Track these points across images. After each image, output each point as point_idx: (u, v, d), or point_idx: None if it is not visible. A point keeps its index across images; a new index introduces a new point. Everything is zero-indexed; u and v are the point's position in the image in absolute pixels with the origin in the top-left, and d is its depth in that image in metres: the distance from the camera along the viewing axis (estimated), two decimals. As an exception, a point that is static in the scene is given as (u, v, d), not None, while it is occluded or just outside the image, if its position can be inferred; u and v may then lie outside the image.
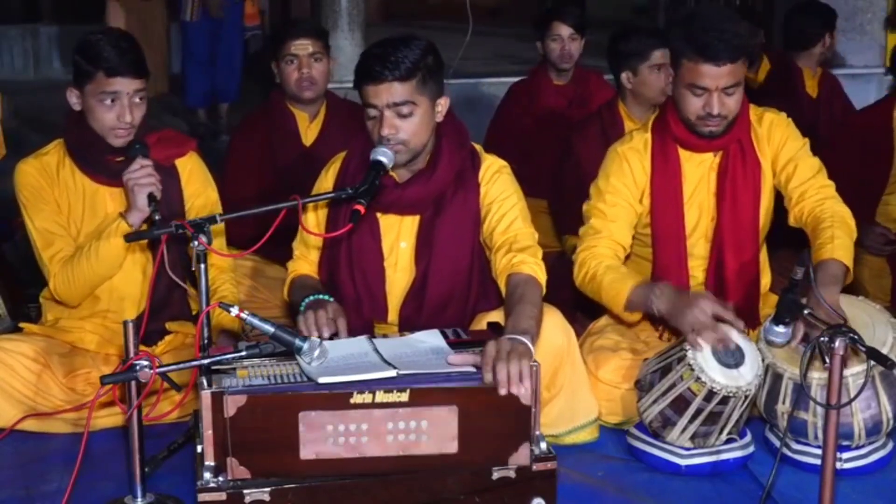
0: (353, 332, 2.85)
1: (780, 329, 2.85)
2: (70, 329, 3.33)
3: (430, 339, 2.78)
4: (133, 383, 2.58)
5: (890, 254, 4.21)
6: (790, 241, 3.48)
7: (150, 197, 3.04)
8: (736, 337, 2.90)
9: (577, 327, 3.20)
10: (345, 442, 2.46)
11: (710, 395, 2.84)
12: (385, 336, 2.88)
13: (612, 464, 3.05)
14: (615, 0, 11.44)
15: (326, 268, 3.14)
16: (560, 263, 3.94)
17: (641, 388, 3.03)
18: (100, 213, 3.25)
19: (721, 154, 3.25)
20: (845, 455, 2.94)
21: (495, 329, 2.82)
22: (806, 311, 2.72)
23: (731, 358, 2.87)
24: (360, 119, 2.96)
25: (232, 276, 3.45)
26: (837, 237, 3.02)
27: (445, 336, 2.79)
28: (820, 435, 2.88)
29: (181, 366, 2.56)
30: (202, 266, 2.64)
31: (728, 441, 2.99)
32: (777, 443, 3.02)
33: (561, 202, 4.31)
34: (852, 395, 2.61)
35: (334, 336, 2.77)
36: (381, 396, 2.45)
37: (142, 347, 2.66)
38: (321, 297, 2.92)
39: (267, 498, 2.45)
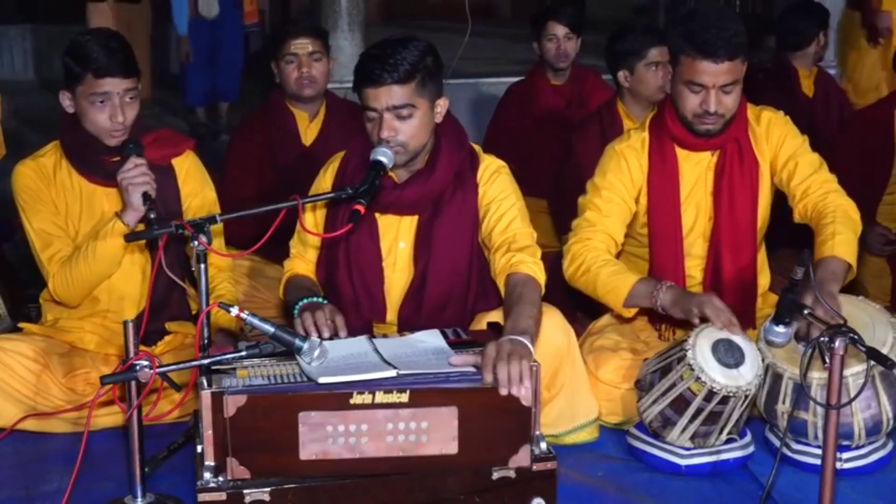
0: (352, 333, 2.85)
1: (780, 329, 2.85)
2: (70, 329, 3.33)
3: (430, 339, 2.78)
4: (133, 383, 2.59)
5: (890, 254, 4.21)
6: (790, 241, 3.48)
7: (145, 196, 3.04)
8: (736, 337, 2.89)
9: (577, 327, 3.20)
10: (345, 442, 2.46)
11: (710, 394, 2.84)
12: (385, 336, 2.88)
13: (612, 464, 3.05)
14: (615, 0, 11.45)
15: (325, 268, 3.14)
16: (560, 263, 3.94)
17: (641, 388, 3.03)
18: (97, 214, 3.26)
19: (718, 153, 3.25)
20: (845, 455, 2.94)
21: (495, 329, 2.82)
22: (806, 311, 2.72)
23: (731, 358, 2.87)
24: (360, 119, 2.96)
25: (230, 274, 3.45)
26: (839, 233, 3.01)
27: (445, 336, 2.79)
28: (820, 435, 2.88)
29: (181, 366, 2.56)
30: (202, 266, 2.64)
31: (728, 441, 2.99)
32: (777, 443, 3.02)
33: (561, 202, 4.31)
34: (852, 395, 2.61)
35: (334, 336, 2.77)
36: (380, 397, 2.45)
37: (141, 347, 2.66)
38: (315, 299, 2.91)
39: (267, 498, 2.45)
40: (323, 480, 2.48)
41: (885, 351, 2.77)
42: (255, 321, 2.50)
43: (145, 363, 2.49)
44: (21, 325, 3.44)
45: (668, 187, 3.26)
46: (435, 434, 2.48)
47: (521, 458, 2.52)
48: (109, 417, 3.16)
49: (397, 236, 3.08)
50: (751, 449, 3.03)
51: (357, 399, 2.45)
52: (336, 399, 2.45)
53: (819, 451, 2.62)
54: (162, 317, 3.31)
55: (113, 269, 3.22)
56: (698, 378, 2.84)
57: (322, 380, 2.47)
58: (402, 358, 2.62)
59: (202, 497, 2.43)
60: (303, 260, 3.17)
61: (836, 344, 2.39)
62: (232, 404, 2.43)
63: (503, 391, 2.48)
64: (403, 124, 2.88)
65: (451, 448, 2.49)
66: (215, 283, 3.34)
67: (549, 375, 2.94)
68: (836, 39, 6.54)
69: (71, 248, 3.22)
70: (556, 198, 4.46)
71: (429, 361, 2.62)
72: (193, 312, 3.36)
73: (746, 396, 2.88)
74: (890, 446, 3.06)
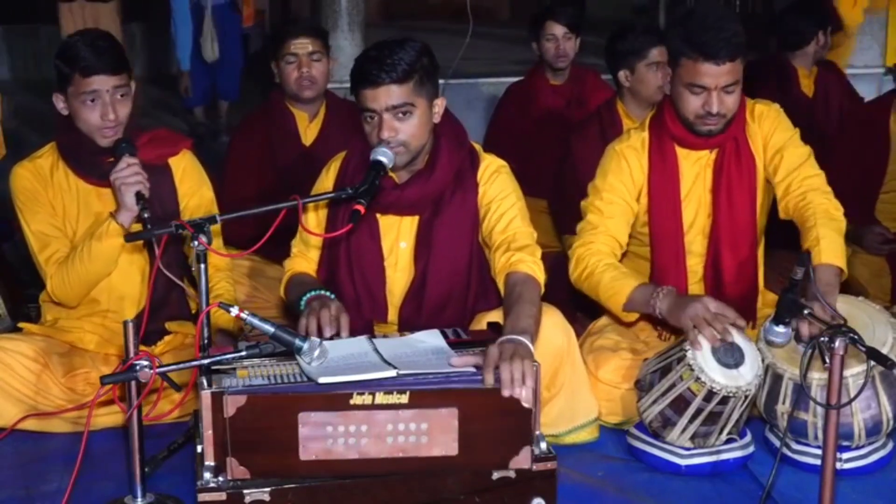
0: (353, 333, 2.85)
1: (780, 329, 2.85)
2: (69, 329, 3.33)
3: (431, 339, 2.78)
4: (133, 383, 2.59)
5: (888, 253, 4.21)
6: (789, 241, 3.48)
7: (139, 195, 3.04)
8: (736, 337, 2.89)
9: (577, 327, 3.20)
10: (344, 443, 2.46)
11: (710, 395, 2.84)
12: (385, 336, 2.88)
13: (612, 464, 3.05)
14: (615, 0, 11.46)
15: (326, 268, 3.14)
16: (560, 263, 3.94)
17: (641, 388, 3.03)
18: (94, 214, 3.26)
19: (717, 150, 3.25)
20: (845, 455, 2.94)
21: (495, 329, 2.82)
22: (806, 311, 2.72)
23: (731, 358, 2.87)
24: (360, 119, 2.96)
25: (228, 274, 3.45)
26: (823, 237, 2.99)
27: (445, 336, 2.79)
28: (820, 435, 2.88)
29: (181, 366, 2.56)
30: (202, 266, 2.64)
31: (728, 441, 2.99)
32: (777, 443, 3.02)
33: (561, 202, 4.31)
34: (852, 396, 2.61)
35: (335, 336, 2.77)
36: (381, 398, 2.45)
37: (141, 347, 2.66)
38: (323, 292, 2.91)
39: (267, 498, 2.45)
40: (323, 480, 2.48)
41: (885, 351, 2.76)
42: (255, 321, 2.50)
43: (145, 363, 2.49)
44: (21, 325, 3.44)
45: (668, 186, 3.26)
46: (435, 435, 2.48)
47: (522, 459, 2.52)
48: (109, 417, 3.16)
49: (398, 236, 3.08)
50: (751, 449, 3.03)
51: (357, 400, 2.45)
52: (336, 399, 2.45)
53: (819, 451, 2.62)
54: (161, 316, 3.31)
55: (109, 269, 3.22)
56: (698, 378, 2.84)
57: (322, 380, 2.47)
58: (403, 358, 2.62)
59: (202, 497, 2.43)
60: (304, 259, 3.17)
61: (836, 344, 2.39)
62: (232, 404, 2.42)
63: (506, 392, 2.48)
64: (403, 124, 2.88)
65: (452, 449, 2.49)
66: (213, 282, 3.33)
67: (549, 375, 2.94)
68: None
69: (68, 248, 3.23)
70: (556, 198, 4.46)
71: (429, 361, 2.62)
72: (193, 312, 3.36)
73: (746, 397, 2.88)
74: (890, 446, 3.06)
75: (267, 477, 2.46)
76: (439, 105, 2.98)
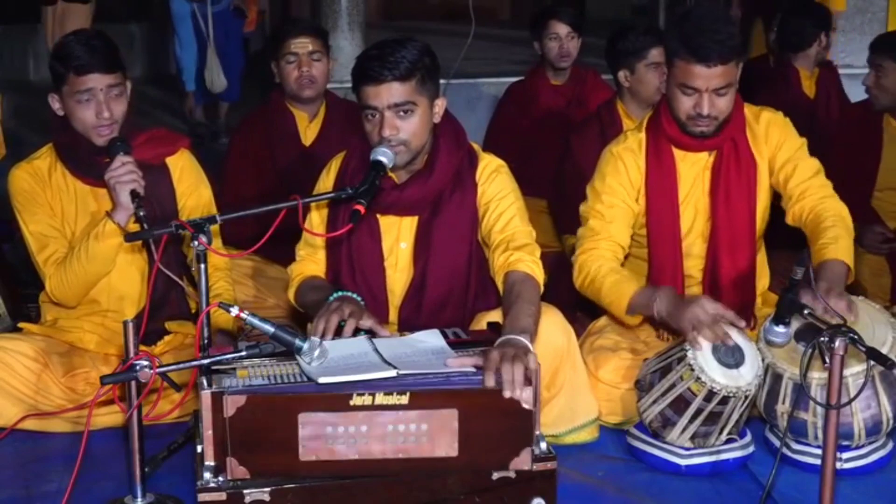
0: (353, 333, 2.86)
1: (780, 329, 2.85)
2: (69, 329, 3.33)
3: (431, 339, 2.78)
4: (133, 383, 2.59)
5: (888, 252, 4.22)
6: (789, 241, 3.48)
7: (134, 194, 3.04)
8: (736, 337, 2.89)
9: (577, 327, 3.20)
10: (344, 443, 2.46)
11: (710, 395, 2.84)
12: (385, 336, 2.88)
13: (612, 464, 3.05)
14: (615, 0, 11.46)
15: (331, 268, 3.14)
16: (560, 263, 3.94)
17: (641, 388, 3.03)
18: (91, 214, 3.26)
19: (715, 153, 3.25)
20: (845, 455, 2.94)
21: (495, 329, 2.82)
22: (806, 311, 2.72)
23: (731, 358, 2.87)
24: (360, 119, 2.96)
25: (227, 273, 3.45)
26: (841, 237, 3.02)
27: (445, 336, 2.79)
28: (820, 435, 2.88)
29: (181, 366, 2.56)
30: (202, 266, 2.64)
31: (728, 441, 2.99)
32: (777, 443, 3.02)
33: (561, 202, 4.31)
34: (852, 395, 2.61)
35: (335, 336, 2.76)
36: (380, 399, 2.45)
37: (141, 347, 2.66)
38: (350, 294, 2.91)
39: (267, 498, 2.45)
40: (323, 481, 2.47)
41: (885, 351, 2.76)
42: (255, 321, 2.50)
43: (145, 363, 2.49)
44: (21, 325, 3.44)
45: (665, 188, 3.26)
46: (435, 436, 2.48)
47: (522, 460, 2.52)
48: (109, 417, 3.16)
49: (398, 237, 3.08)
50: (751, 449, 3.03)
51: (357, 401, 2.45)
52: (336, 400, 2.45)
53: (819, 451, 2.62)
54: (161, 316, 3.31)
55: (107, 269, 3.22)
56: (698, 378, 2.84)
57: (322, 380, 2.47)
58: (403, 358, 2.62)
59: (202, 497, 2.43)
60: (312, 261, 3.16)
61: (836, 344, 2.39)
62: (232, 404, 2.42)
63: (507, 393, 2.47)
64: (404, 122, 2.88)
65: (452, 450, 2.49)
66: (212, 282, 3.32)
67: (549, 375, 2.94)
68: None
69: (67, 248, 3.23)
70: (556, 198, 4.46)
71: (429, 361, 2.62)
72: (193, 312, 3.36)
73: (746, 397, 2.88)
74: (890, 446, 3.06)
75: (267, 477, 2.46)
76: (440, 105, 2.99)
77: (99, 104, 3.13)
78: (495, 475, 2.52)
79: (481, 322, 2.99)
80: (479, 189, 3.06)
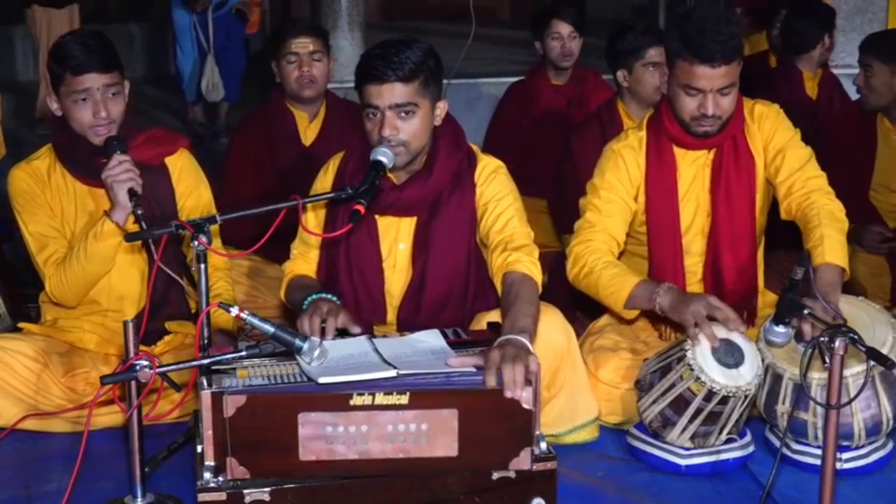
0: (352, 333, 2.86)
1: (780, 329, 2.85)
2: (69, 329, 3.33)
3: (430, 339, 2.78)
4: (133, 383, 2.59)
5: (888, 252, 4.22)
6: (789, 241, 3.48)
7: (131, 192, 3.04)
8: (736, 337, 2.90)
9: (577, 327, 3.20)
10: (344, 443, 2.46)
11: (710, 395, 2.84)
12: (385, 336, 2.88)
13: (612, 464, 3.05)
14: (615, 0, 11.46)
15: (325, 269, 3.14)
16: (560, 263, 3.93)
17: (641, 388, 3.03)
18: (89, 214, 3.26)
19: (715, 150, 3.25)
20: (845, 455, 2.94)
21: (495, 328, 2.82)
22: (806, 311, 2.72)
23: (731, 358, 2.87)
24: (360, 119, 2.96)
25: (227, 273, 3.45)
26: (827, 236, 2.99)
27: (445, 336, 2.79)
28: (820, 435, 2.88)
29: (181, 366, 2.56)
30: (202, 266, 2.64)
31: (728, 441, 2.99)
32: (777, 443, 3.02)
33: (560, 202, 4.31)
34: (852, 395, 2.61)
35: (335, 336, 2.76)
36: (380, 399, 2.45)
37: (141, 347, 2.66)
38: (324, 295, 2.91)
39: (267, 498, 2.45)
40: (323, 481, 2.47)
41: (885, 351, 2.76)
42: (255, 321, 2.50)
43: (145, 363, 2.49)
44: (21, 325, 3.44)
45: (665, 185, 3.27)
46: (435, 436, 2.48)
47: (522, 461, 2.52)
48: (109, 417, 3.16)
49: (397, 237, 3.08)
50: (751, 449, 3.03)
51: (357, 400, 2.45)
52: (336, 400, 2.45)
53: (819, 451, 2.62)
54: (161, 316, 3.31)
55: (106, 269, 3.22)
56: (698, 378, 2.84)
57: (322, 380, 2.47)
58: (403, 358, 2.62)
59: (202, 497, 2.43)
60: (304, 260, 3.17)
61: (836, 344, 2.39)
62: (232, 404, 2.42)
63: (508, 393, 2.47)
64: (405, 123, 2.88)
65: (452, 450, 2.49)
66: (212, 282, 3.32)
67: (549, 375, 2.94)
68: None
69: (66, 249, 3.23)
70: (556, 197, 4.46)
71: (429, 361, 2.62)
72: (192, 312, 3.36)
73: (746, 396, 2.88)
74: (890, 446, 3.06)
75: (267, 477, 2.46)
76: (441, 108, 2.99)
77: (96, 104, 3.13)
78: (495, 475, 2.52)
79: (481, 322, 2.99)
80: (478, 190, 3.06)
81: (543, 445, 2.56)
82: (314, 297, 2.89)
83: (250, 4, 8.06)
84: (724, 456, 2.98)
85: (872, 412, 2.92)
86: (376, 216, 3.05)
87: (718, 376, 2.83)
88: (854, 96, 5.18)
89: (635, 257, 3.38)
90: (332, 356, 2.59)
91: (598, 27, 5.06)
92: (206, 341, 2.63)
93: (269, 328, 2.51)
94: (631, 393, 3.12)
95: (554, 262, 3.98)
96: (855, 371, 2.81)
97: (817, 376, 2.84)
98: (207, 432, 2.44)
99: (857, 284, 3.98)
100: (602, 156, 3.34)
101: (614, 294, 3.10)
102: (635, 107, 4.25)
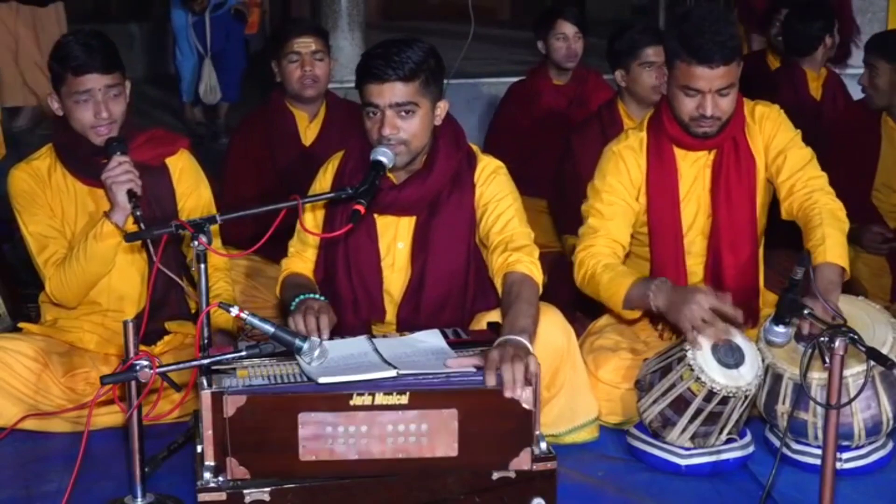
0: (351, 333, 2.86)
1: (780, 329, 2.85)
2: (69, 329, 3.33)
3: (430, 338, 2.78)
4: (133, 383, 2.59)
5: (888, 252, 4.21)
6: (789, 240, 3.48)
7: (131, 193, 3.04)
8: (736, 337, 2.89)
9: (577, 327, 3.20)
10: (344, 443, 2.46)
11: (710, 395, 2.84)
12: (385, 336, 2.88)
13: (612, 464, 3.05)
14: (615, 0, 11.45)
15: (324, 268, 3.14)
16: (560, 263, 3.94)
17: (641, 388, 3.03)
18: (89, 215, 3.26)
19: (715, 151, 3.25)
20: (845, 455, 2.94)
21: (495, 328, 2.82)
22: (806, 311, 2.72)
23: (731, 358, 2.87)
24: (360, 119, 2.96)
25: (227, 274, 3.45)
26: (828, 236, 3.00)
27: (445, 336, 2.79)
28: (820, 435, 2.88)
29: (181, 366, 2.56)
30: (202, 266, 2.64)
31: (728, 441, 2.99)
32: (777, 443, 3.02)
33: (561, 202, 4.31)
34: (852, 395, 2.61)
35: (334, 336, 2.76)
36: (380, 399, 2.45)
37: (141, 347, 2.66)
38: (311, 296, 2.91)
39: (267, 498, 2.45)
40: (323, 481, 2.47)
41: (885, 351, 2.76)
42: (255, 321, 2.50)
43: (145, 363, 2.49)
44: (21, 325, 3.44)
45: (666, 186, 3.26)
46: (435, 436, 2.48)
47: (522, 461, 2.52)
48: (109, 417, 3.16)
49: (396, 237, 3.08)
50: (751, 449, 3.03)
51: (357, 401, 2.45)
52: (336, 400, 2.45)
53: (819, 451, 2.62)
54: (161, 316, 3.31)
55: (106, 269, 3.22)
56: (698, 378, 2.84)
57: (322, 380, 2.47)
58: (403, 358, 2.62)
59: (202, 497, 2.43)
60: (301, 259, 3.17)
61: (836, 344, 2.39)
62: (232, 404, 2.42)
63: (508, 393, 2.47)
64: (405, 123, 2.88)
65: (452, 450, 2.49)
66: (212, 282, 3.32)
67: (549, 375, 2.94)
68: None
69: (67, 249, 3.23)
70: (556, 197, 4.46)
71: (429, 361, 2.62)
72: (192, 312, 3.36)
73: (746, 397, 2.88)
74: (890, 446, 3.06)
75: (267, 477, 2.46)
76: (442, 108, 2.99)
77: (97, 104, 3.13)
78: (495, 475, 2.52)
79: (481, 322, 2.99)
80: (478, 190, 3.06)
81: (543, 445, 2.56)
82: (302, 297, 2.89)
83: (249, 5, 8.06)
84: (724, 456, 2.98)
85: (872, 412, 2.92)
86: (375, 215, 3.05)
87: (718, 376, 2.83)
88: (856, 97, 5.20)
89: (637, 258, 3.38)
90: (332, 356, 2.59)
91: (598, 27, 5.06)
92: (206, 341, 2.63)
93: (269, 328, 2.51)
94: (631, 393, 3.12)
95: (554, 262, 3.98)
96: (855, 371, 2.81)
97: (817, 376, 2.84)
98: (207, 432, 2.44)
99: (858, 284, 3.98)
100: (602, 157, 3.34)
101: (613, 297, 3.10)
102: (634, 107, 4.25)
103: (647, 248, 3.33)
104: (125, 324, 2.60)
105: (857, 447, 2.98)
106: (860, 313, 2.95)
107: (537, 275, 2.91)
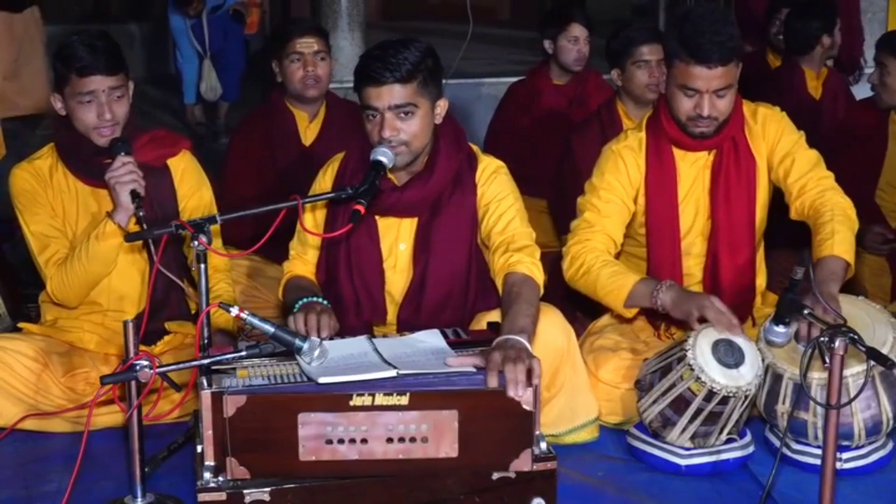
0: (352, 333, 2.86)
1: (780, 329, 2.85)
2: (69, 329, 3.33)
3: (431, 339, 2.78)
4: (133, 383, 2.59)
5: (889, 252, 4.21)
6: (788, 240, 3.48)
7: (134, 194, 3.04)
8: (736, 337, 2.89)
9: (577, 327, 3.20)
10: (344, 444, 2.46)
11: (710, 395, 2.84)
12: (385, 336, 2.88)
13: (612, 464, 3.05)
14: (615, 0, 11.45)
15: (325, 269, 3.14)
16: (560, 264, 3.94)
17: (641, 388, 3.03)
18: (91, 215, 3.26)
19: (715, 152, 3.25)
20: (845, 455, 2.94)
21: (495, 328, 2.82)
22: (806, 311, 2.72)
23: (731, 358, 2.87)
24: (360, 119, 2.96)
25: (227, 274, 3.45)
26: (838, 231, 3.01)
27: (445, 336, 2.79)
28: (820, 435, 2.88)
29: (181, 366, 2.56)
30: (202, 266, 2.64)
31: (728, 441, 2.99)
32: (777, 443, 3.02)
33: (561, 202, 4.31)
34: (852, 395, 2.61)
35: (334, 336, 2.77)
36: (380, 399, 2.45)
37: (141, 347, 2.66)
38: (314, 299, 2.91)
39: (267, 498, 2.45)
40: (323, 481, 2.47)
41: (885, 351, 2.76)
42: (255, 321, 2.50)
43: (145, 363, 2.49)
44: (21, 325, 3.44)
45: (665, 187, 3.27)
46: (435, 437, 2.48)
47: (522, 462, 2.52)
48: (109, 417, 3.16)
49: (398, 238, 3.08)
50: (751, 449, 3.03)
51: (357, 401, 2.45)
52: (336, 400, 2.45)
53: (819, 451, 2.62)
54: (161, 316, 3.31)
55: (108, 269, 3.22)
56: (698, 378, 2.84)
57: (322, 380, 2.47)
58: (403, 358, 2.62)
59: (202, 497, 2.43)
60: (302, 261, 3.17)
61: (836, 344, 2.39)
62: (232, 404, 2.42)
63: (510, 392, 2.47)
64: (405, 124, 2.88)
65: (452, 451, 2.49)
66: (213, 283, 3.32)
67: (549, 375, 2.94)
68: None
69: (68, 249, 3.23)
70: (556, 198, 4.46)
71: (429, 361, 2.62)
72: (193, 312, 3.36)
73: (746, 397, 2.88)
74: (890, 446, 3.06)
75: (267, 477, 2.46)
76: (441, 107, 2.99)
77: (101, 106, 3.13)
78: (495, 475, 2.52)
79: (481, 322, 2.99)
80: (479, 190, 3.06)
81: (543, 445, 2.56)
82: (305, 300, 2.89)
83: (249, 5, 8.07)
84: (724, 456, 2.98)
85: (872, 412, 2.92)
86: (377, 217, 3.05)
87: (718, 376, 2.83)
88: (856, 96, 5.20)
89: (634, 258, 3.38)
90: (332, 356, 2.59)
91: (598, 27, 5.05)
92: (206, 341, 2.63)
93: (269, 328, 2.51)
94: (631, 393, 3.12)
95: (554, 262, 3.96)
96: (855, 371, 2.81)
97: (817, 376, 2.84)
98: (207, 432, 2.44)
99: (858, 284, 3.97)
100: (601, 156, 3.34)
101: (614, 292, 3.10)
102: (632, 106, 4.26)
103: (644, 249, 3.33)
104: (125, 324, 2.60)
105: (857, 447, 2.98)
106: (860, 313, 2.95)
107: (538, 275, 2.91)
